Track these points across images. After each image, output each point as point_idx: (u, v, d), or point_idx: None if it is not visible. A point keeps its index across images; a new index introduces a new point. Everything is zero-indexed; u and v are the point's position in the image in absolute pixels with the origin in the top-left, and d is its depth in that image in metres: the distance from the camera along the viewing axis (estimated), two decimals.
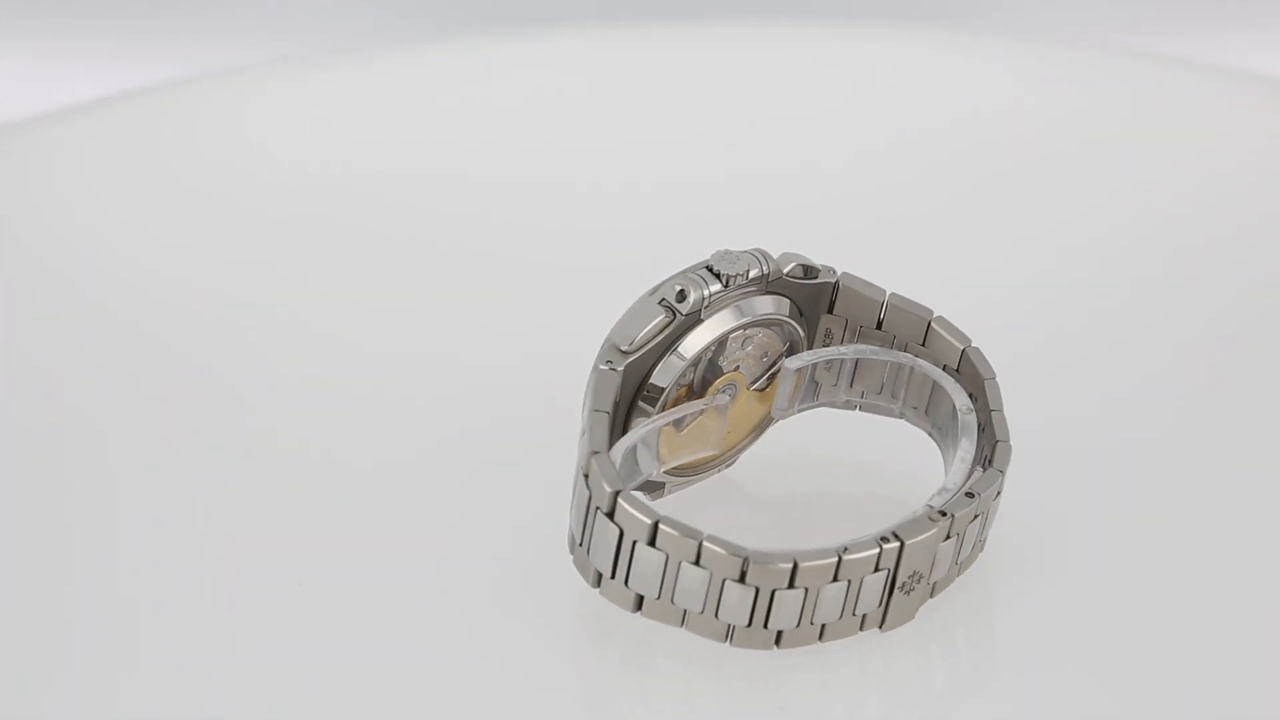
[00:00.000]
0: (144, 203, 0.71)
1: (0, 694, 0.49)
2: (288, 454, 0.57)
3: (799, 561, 0.46)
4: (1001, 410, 0.51)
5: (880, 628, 0.49)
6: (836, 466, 0.56)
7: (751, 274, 0.51)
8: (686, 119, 0.78)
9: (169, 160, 0.75)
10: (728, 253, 0.51)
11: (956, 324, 0.53)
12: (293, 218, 0.71)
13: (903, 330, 0.53)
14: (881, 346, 0.53)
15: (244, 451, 0.57)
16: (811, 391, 0.54)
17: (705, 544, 0.46)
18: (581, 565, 0.48)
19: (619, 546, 0.47)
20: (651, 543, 0.47)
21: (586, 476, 0.47)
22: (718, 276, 0.51)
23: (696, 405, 0.52)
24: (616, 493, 0.47)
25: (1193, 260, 0.68)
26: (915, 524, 0.48)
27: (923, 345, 0.53)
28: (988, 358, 0.52)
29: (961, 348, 0.52)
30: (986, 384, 0.52)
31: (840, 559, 0.47)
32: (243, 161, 0.74)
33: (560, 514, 0.50)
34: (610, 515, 0.47)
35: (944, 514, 0.48)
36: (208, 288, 0.66)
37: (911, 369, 0.53)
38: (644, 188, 0.73)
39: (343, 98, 0.80)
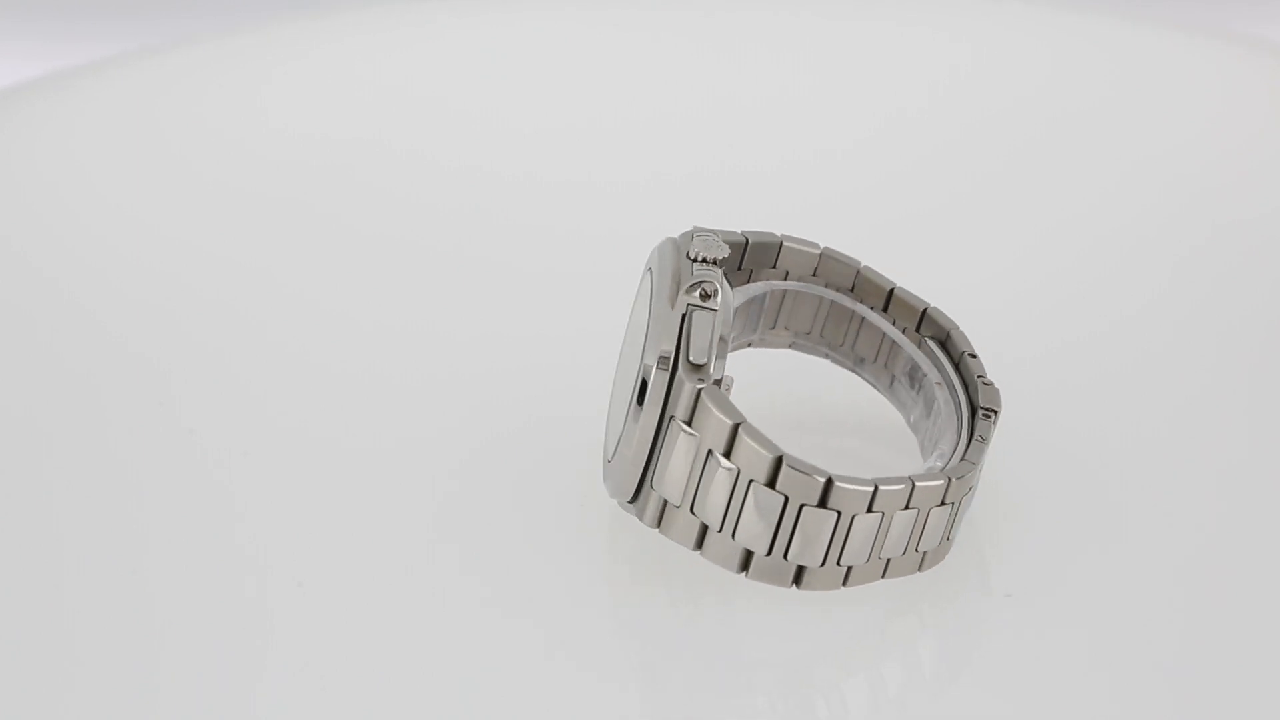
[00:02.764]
0: (122, 184, 0.71)
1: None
2: (285, 448, 0.57)
3: (956, 475, 0.50)
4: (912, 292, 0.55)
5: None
6: None
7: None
8: (670, 103, 0.78)
9: (143, 137, 0.74)
10: (704, 241, 0.51)
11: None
12: (273, 202, 0.70)
13: (758, 261, 0.54)
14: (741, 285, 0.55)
15: (241, 449, 0.57)
16: None
17: (921, 484, 0.48)
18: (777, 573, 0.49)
19: (833, 532, 0.48)
20: (903, 508, 0.49)
21: (829, 482, 0.47)
22: (716, 264, 0.50)
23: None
24: (873, 486, 0.48)
25: (1210, 259, 0.68)
26: (994, 392, 0.52)
27: (773, 268, 0.55)
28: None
29: (818, 253, 0.54)
30: (863, 269, 0.55)
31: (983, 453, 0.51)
32: (223, 143, 0.74)
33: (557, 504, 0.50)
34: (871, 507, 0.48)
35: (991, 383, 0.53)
36: (196, 275, 0.66)
37: (767, 294, 0.54)
38: (631, 183, 0.73)
39: (329, 81, 0.80)
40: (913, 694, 0.50)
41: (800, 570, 0.49)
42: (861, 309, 0.55)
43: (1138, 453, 0.57)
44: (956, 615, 0.52)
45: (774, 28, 0.83)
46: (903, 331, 0.55)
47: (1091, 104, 0.78)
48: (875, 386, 0.56)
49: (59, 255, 0.67)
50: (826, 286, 0.55)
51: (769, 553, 0.48)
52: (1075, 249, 0.68)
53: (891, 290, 0.55)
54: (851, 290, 0.55)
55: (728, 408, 0.48)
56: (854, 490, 0.48)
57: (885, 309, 0.55)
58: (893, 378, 0.55)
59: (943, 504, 0.49)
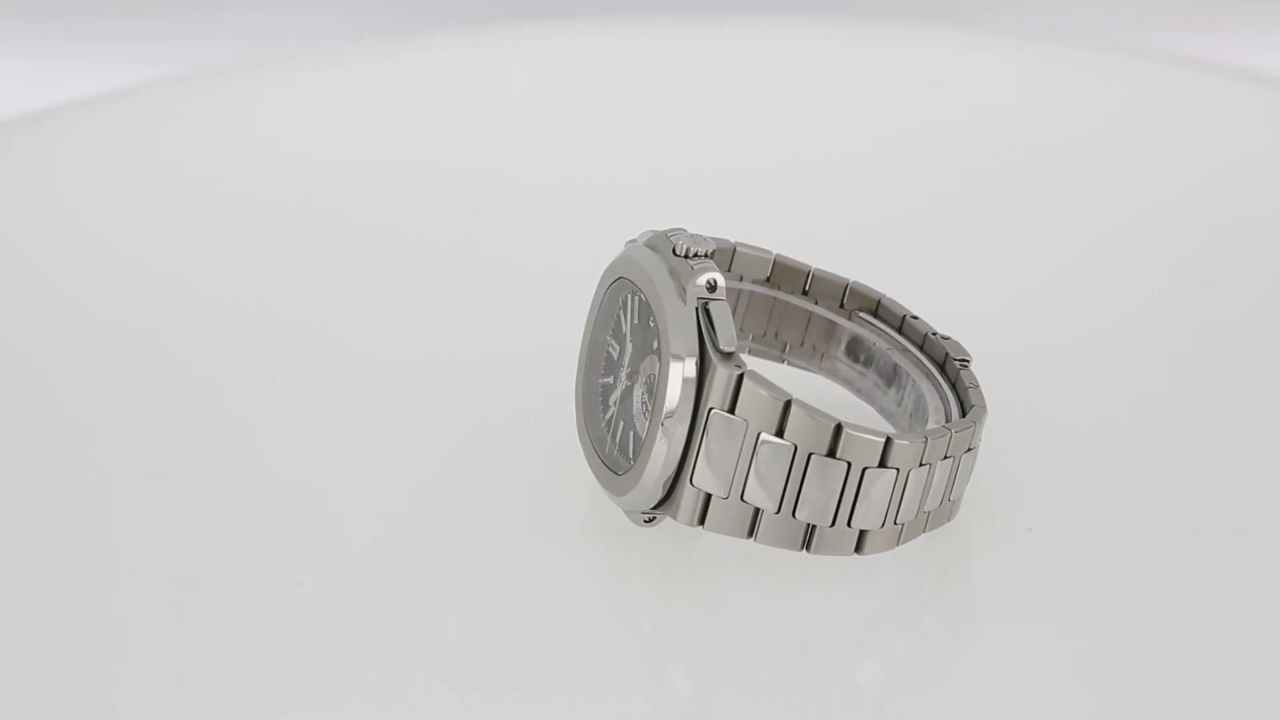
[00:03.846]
0: (145, 199, 0.71)
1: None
2: (286, 447, 0.57)
3: (976, 419, 0.51)
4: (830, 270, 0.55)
5: None
6: None
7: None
8: (677, 114, 0.78)
9: (168, 157, 0.75)
10: (690, 237, 0.50)
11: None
12: (291, 214, 0.71)
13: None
14: None
15: (242, 453, 0.57)
16: None
17: (956, 432, 0.49)
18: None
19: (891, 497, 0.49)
20: (943, 457, 0.49)
21: (888, 441, 0.48)
22: (708, 257, 0.50)
23: None
24: (924, 438, 0.49)
25: (1201, 261, 0.68)
26: (955, 342, 0.53)
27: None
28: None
29: (730, 248, 0.54)
30: (778, 258, 0.54)
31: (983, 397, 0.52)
32: (243, 159, 0.74)
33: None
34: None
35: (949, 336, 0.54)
36: (212, 285, 0.66)
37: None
38: (634, 185, 0.73)
39: (339, 95, 0.80)
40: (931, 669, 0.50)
41: (862, 535, 0.49)
42: (782, 295, 0.55)
43: (1137, 452, 0.57)
44: (942, 619, 0.52)
45: (774, 28, 0.84)
46: (827, 310, 0.55)
47: (1093, 114, 0.78)
48: (808, 369, 0.56)
49: (66, 261, 0.67)
50: (741, 280, 0.55)
51: (833, 523, 0.48)
52: (1075, 249, 0.68)
53: (809, 272, 0.55)
54: (768, 280, 0.55)
55: (772, 387, 0.48)
56: (909, 445, 0.48)
57: (805, 292, 0.55)
58: (823, 356, 0.55)
59: (969, 450, 0.50)
